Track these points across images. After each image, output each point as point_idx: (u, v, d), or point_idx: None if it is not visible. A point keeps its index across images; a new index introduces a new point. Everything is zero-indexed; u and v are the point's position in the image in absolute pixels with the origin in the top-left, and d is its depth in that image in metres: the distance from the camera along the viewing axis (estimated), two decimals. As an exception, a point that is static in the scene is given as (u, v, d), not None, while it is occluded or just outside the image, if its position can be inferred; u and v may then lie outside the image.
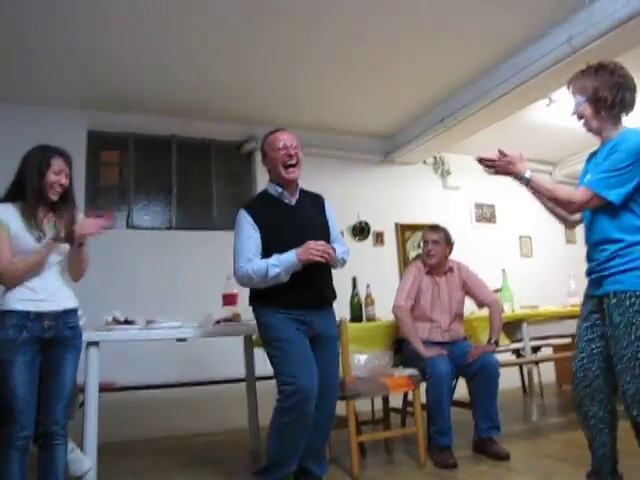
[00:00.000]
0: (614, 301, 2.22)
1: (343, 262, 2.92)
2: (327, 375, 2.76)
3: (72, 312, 2.53)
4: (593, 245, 2.37)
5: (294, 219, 2.79)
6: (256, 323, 2.85)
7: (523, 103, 5.02)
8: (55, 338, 2.42)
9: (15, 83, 4.58)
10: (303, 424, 2.60)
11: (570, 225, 2.65)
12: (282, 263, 2.62)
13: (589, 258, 2.41)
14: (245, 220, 2.78)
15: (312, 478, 2.73)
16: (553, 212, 2.61)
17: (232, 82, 4.84)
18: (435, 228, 3.90)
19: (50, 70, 4.43)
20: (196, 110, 5.37)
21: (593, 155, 2.49)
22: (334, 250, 2.73)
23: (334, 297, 2.95)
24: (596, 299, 2.37)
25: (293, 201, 2.86)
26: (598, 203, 2.26)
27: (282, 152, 2.76)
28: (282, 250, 2.66)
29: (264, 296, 2.75)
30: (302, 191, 2.95)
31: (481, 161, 2.43)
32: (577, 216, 2.54)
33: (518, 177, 2.36)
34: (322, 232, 2.85)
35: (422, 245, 3.90)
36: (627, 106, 2.34)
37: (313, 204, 2.95)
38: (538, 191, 2.37)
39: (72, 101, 4.95)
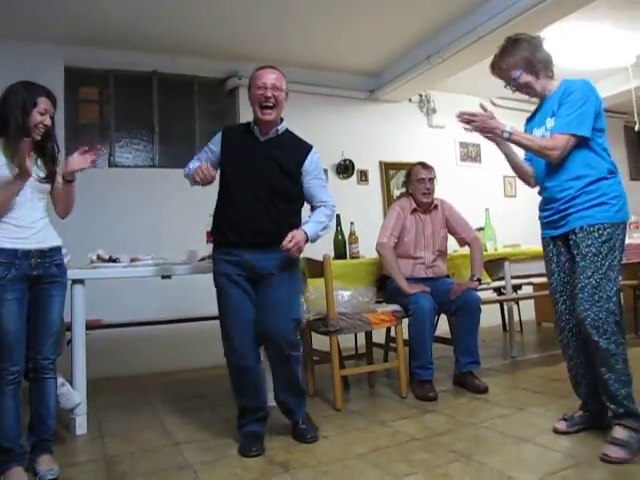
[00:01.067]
0: (582, 234, 2.36)
1: (318, 238, 2.81)
2: (265, 316, 2.67)
3: (57, 250, 2.53)
4: (553, 188, 2.48)
5: (253, 153, 2.73)
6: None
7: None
8: (42, 275, 2.44)
9: (-15, 15, 4.38)
10: (245, 371, 2.71)
11: (533, 184, 2.71)
12: (192, 172, 2.74)
13: (549, 201, 2.52)
14: (217, 136, 2.86)
15: (286, 408, 2.83)
16: (520, 176, 2.72)
17: (215, 16, 4.67)
18: (428, 166, 3.90)
19: (24, 3, 4.23)
20: (178, 46, 5.20)
21: (533, 116, 2.68)
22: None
23: (281, 239, 2.63)
24: (560, 239, 2.51)
25: (262, 138, 2.77)
26: (574, 144, 2.39)
27: (260, 92, 2.67)
28: (230, 175, 2.73)
29: (214, 233, 2.83)
30: (288, 134, 2.85)
31: (461, 116, 2.47)
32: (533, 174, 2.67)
33: (498, 133, 2.42)
34: (280, 178, 2.71)
35: (416, 183, 3.86)
36: (550, 60, 2.57)
37: (290, 148, 2.79)
38: (520, 144, 2.44)
39: (47, 35, 4.75)
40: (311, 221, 2.79)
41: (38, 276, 2.42)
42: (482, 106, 2.48)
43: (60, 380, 2.85)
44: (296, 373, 2.79)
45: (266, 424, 2.79)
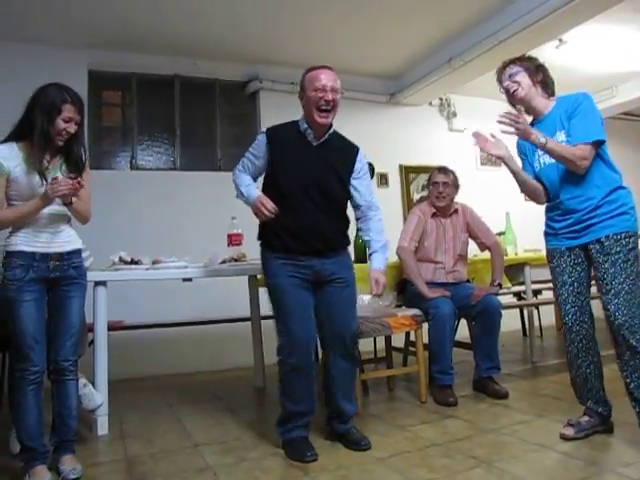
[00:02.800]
0: (609, 242, 2.41)
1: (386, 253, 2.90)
2: (334, 317, 2.69)
3: (76, 253, 2.55)
4: (574, 199, 2.50)
5: (307, 158, 2.67)
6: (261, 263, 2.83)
7: (532, 45, 4.89)
8: (60, 278, 2.46)
9: (11, 20, 4.43)
10: (303, 373, 2.63)
11: (544, 200, 2.72)
12: (247, 194, 2.73)
13: (567, 211, 2.54)
14: (261, 140, 2.75)
15: (345, 416, 2.76)
16: (528, 193, 2.75)
17: (236, 19, 4.70)
18: (445, 170, 3.88)
19: (48, 7, 4.30)
20: (199, 49, 5.25)
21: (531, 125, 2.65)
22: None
23: (343, 244, 2.83)
24: (578, 249, 2.53)
25: (316, 142, 2.71)
26: (595, 151, 2.45)
27: (319, 95, 2.60)
28: (283, 180, 2.66)
29: (268, 238, 2.74)
30: (336, 136, 2.79)
31: (506, 116, 2.46)
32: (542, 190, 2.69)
33: (535, 139, 2.44)
34: (335, 182, 2.72)
35: (431, 187, 3.87)
36: (552, 80, 2.72)
37: (340, 150, 2.77)
38: (553, 152, 2.45)
39: (71, 39, 4.82)
40: (377, 251, 2.84)
41: (56, 278, 2.45)
42: (520, 110, 2.54)
43: (82, 381, 2.89)
44: (355, 378, 2.86)
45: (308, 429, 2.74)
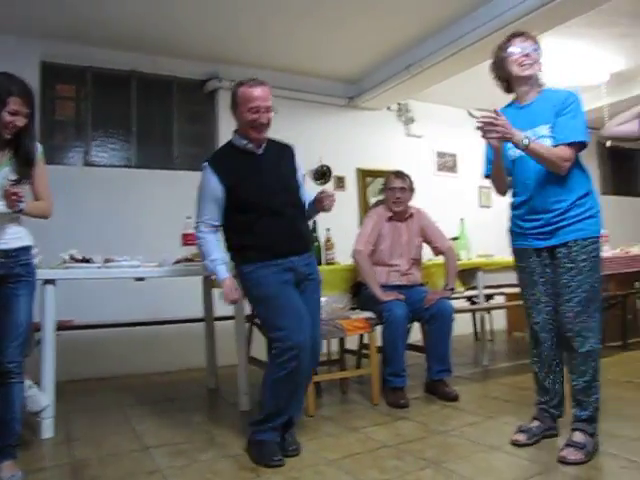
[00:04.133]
0: (576, 247, 2.41)
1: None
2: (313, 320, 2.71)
3: (23, 250, 2.46)
4: (546, 199, 2.47)
5: (260, 168, 2.69)
6: (238, 277, 2.76)
7: (488, 55, 4.96)
8: (6, 275, 2.38)
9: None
10: (297, 377, 2.59)
11: (504, 194, 2.72)
12: (213, 270, 2.75)
13: (536, 211, 2.50)
14: (208, 178, 2.69)
15: (292, 425, 2.71)
16: (499, 185, 2.70)
17: (197, 18, 4.66)
18: (401, 175, 3.91)
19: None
20: (158, 46, 5.18)
21: (510, 106, 2.67)
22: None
23: (311, 241, 2.98)
24: (546, 250, 2.51)
25: (260, 151, 2.73)
26: (576, 154, 2.44)
27: (253, 116, 2.60)
28: (246, 199, 2.65)
29: (244, 252, 2.70)
30: (270, 141, 2.80)
31: (483, 118, 2.38)
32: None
33: (518, 140, 2.37)
34: (289, 181, 2.79)
35: (388, 192, 3.90)
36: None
37: (280, 153, 2.82)
38: (536, 153, 2.39)
39: (24, 28, 4.68)
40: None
41: (2, 276, 2.37)
42: (497, 112, 2.38)
43: (27, 382, 2.80)
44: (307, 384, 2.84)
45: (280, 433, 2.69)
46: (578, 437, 2.37)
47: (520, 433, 2.62)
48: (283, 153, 2.85)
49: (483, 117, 2.37)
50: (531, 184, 2.51)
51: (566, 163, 2.39)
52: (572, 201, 2.43)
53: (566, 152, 2.39)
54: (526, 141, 2.34)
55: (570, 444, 2.34)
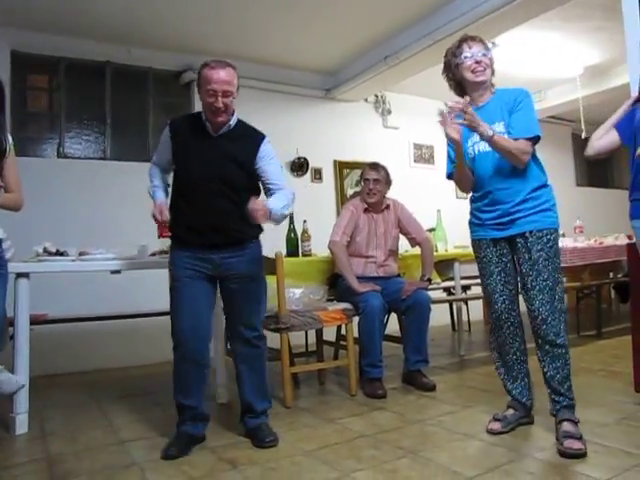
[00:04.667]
0: (532, 238, 2.49)
1: (282, 217, 2.71)
2: (232, 316, 2.77)
3: None
4: (502, 190, 2.55)
5: (207, 149, 2.65)
6: None
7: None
8: None
9: None
10: (189, 366, 2.61)
11: (469, 191, 2.78)
12: (152, 195, 2.84)
13: (494, 202, 2.58)
14: (164, 133, 2.76)
15: (254, 411, 2.74)
16: (462, 182, 2.75)
17: (173, 8, 4.61)
18: (376, 166, 3.92)
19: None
20: (133, 36, 5.11)
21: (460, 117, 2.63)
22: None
23: (249, 235, 2.74)
24: (503, 241, 2.60)
25: (215, 134, 2.68)
26: (533, 146, 2.52)
27: (210, 100, 2.54)
28: (184, 173, 2.67)
29: (174, 231, 2.73)
30: (241, 127, 2.74)
31: (453, 107, 2.42)
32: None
33: (483, 131, 2.43)
34: (235, 172, 2.65)
35: (363, 183, 3.92)
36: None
37: (244, 142, 2.71)
38: (498, 145, 2.46)
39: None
40: (273, 197, 2.71)
41: None
42: (468, 102, 2.46)
43: None
44: (263, 371, 2.79)
45: (205, 425, 2.72)
46: (569, 427, 2.39)
47: (495, 421, 2.67)
48: (247, 139, 2.73)
49: (455, 103, 2.43)
50: (489, 177, 2.58)
51: (525, 156, 2.48)
52: (527, 192, 2.51)
53: (524, 145, 2.47)
54: (490, 132, 2.43)
55: (568, 435, 2.36)
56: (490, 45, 2.77)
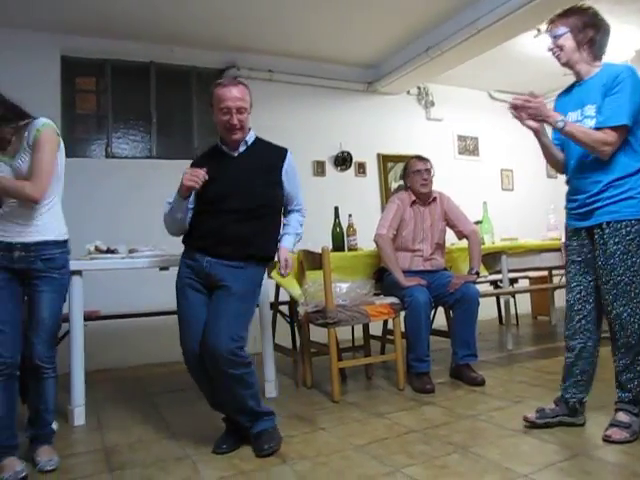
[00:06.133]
0: (609, 230, 2.34)
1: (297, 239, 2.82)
2: (206, 330, 2.47)
3: (46, 244, 2.42)
4: (583, 179, 2.43)
5: (226, 171, 2.60)
6: None
7: (510, 34, 4.93)
8: (27, 270, 2.39)
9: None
10: (198, 378, 2.61)
11: (561, 169, 2.64)
12: (173, 199, 2.67)
13: (575, 191, 2.48)
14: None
15: (243, 427, 2.57)
16: (553, 165, 2.66)
17: (214, 6, 4.65)
18: (423, 158, 3.90)
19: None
20: (175, 36, 5.18)
21: (567, 95, 2.58)
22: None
23: (258, 255, 2.63)
24: (584, 231, 2.48)
25: (235, 153, 2.66)
26: (623, 136, 2.32)
27: (225, 118, 2.54)
28: (208, 199, 2.58)
29: (184, 242, 2.74)
30: (260, 143, 2.72)
31: (515, 108, 2.37)
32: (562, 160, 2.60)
33: (552, 122, 2.34)
34: (258, 187, 2.60)
35: (412, 175, 3.85)
36: (604, 47, 2.49)
37: (266, 159, 2.68)
38: (573, 136, 2.34)
39: (44, 24, 4.72)
40: (290, 234, 2.79)
41: (23, 270, 2.38)
42: (532, 93, 2.35)
43: None
44: (242, 395, 2.48)
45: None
46: (622, 417, 2.36)
47: (534, 412, 2.62)
48: (268, 158, 2.70)
49: (516, 99, 2.35)
50: (573, 164, 2.49)
51: (607, 147, 2.30)
52: (607, 182, 2.34)
53: (607, 136, 2.30)
54: (561, 124, 2.32)
55: (614, 424, 2.34)
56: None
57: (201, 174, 2.50)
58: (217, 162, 2.64)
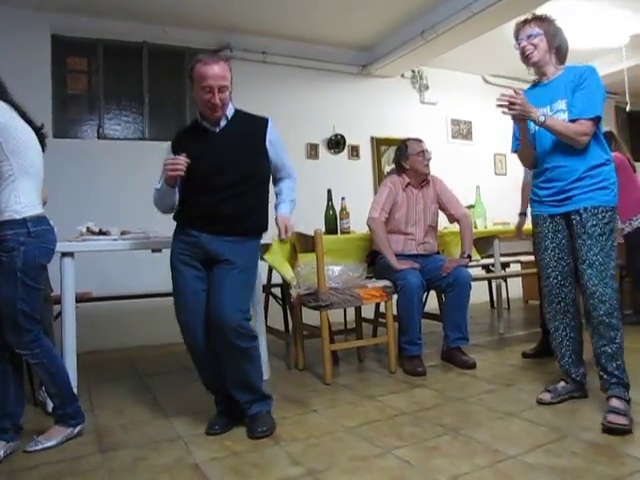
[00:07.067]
0: (586, 214, 2.48)
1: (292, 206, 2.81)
2: (212, 303, 2.49)
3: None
4: (559, 168, 2.57)
5: (211, 146, 2.57)
6: None
7: (505, 18, 4.89)
8: None
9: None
10: (195, 355, 2.60)
11: (531, 167, 2.78)
12: (160, 186, 2.66)
13: (551, 179, 2.61)
14: (167, 152, 2.69)
15: (240, 404, 2.58)
16: (525, 159, 2.79)
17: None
18: (421, 140, 3.89)
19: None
20: (169, 16, 5.13)
21: (532, 92, 2.71)
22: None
23: (253, 229, 2.66)
24: (560, 217, 2.61)
25: (217, 129, 2.60)
26: (596, 127, 2.50)
27: (206, 96, 2.48)
28: (198, 177, 2.54)
29: (176, 219, 2.71)
30: (240, 116, 2.67)
31: (502, 99, 2.48)
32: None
33: (534, 117, 2.47)
34: (246, 159, 2.59)
35: (414, 157, 3.80)
36: (566, 47, 2.70)
37: (248, 129, 2.65)
38: (553, 129, 2.48)
39: (33, 1, 4.65)
40: (285, 201, 2.78)
41: None
42: (516, 91, 2.49)
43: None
44: (247, 369, 2.52)
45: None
46: (616, 403, 2.40)
47: (546, 392, 2.72)
48: (250, 129, 2.67)
49: (503, 96, 2.49)
50: (548, 154, 2.61)
51: (583, 137, 2.47)
52: (584, 170, 2.50)
53: (583, 126, 2.46)
54: (542, 118, 2.46)
55: (612, 410, 2.36)
56: (529, 16, 2.75)
57: (182, 160, 2.48)
58: (200, 139, 2.62)
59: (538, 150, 2.67)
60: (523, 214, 4.00)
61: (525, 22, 2.68)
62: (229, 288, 2.48)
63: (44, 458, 2.34)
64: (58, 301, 3.11)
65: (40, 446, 2.41)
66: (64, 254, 3.05)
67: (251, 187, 2.61)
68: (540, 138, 2.63)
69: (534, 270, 5.71)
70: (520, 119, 2.55)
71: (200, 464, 2.21)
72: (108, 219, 3.57)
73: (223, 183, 2.55)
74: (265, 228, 2.74)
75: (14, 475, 2.19)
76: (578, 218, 2.51)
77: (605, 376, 2.48)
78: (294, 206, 2.84)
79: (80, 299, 3.47)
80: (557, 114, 2.54)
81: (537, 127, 2.59)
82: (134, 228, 3.40)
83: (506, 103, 2.46)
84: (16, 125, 2.39)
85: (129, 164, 5.04)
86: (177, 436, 2.54)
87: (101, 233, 3.27)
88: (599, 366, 2.50)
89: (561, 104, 2.55)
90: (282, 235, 2.70)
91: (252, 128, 2.68)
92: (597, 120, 2.48)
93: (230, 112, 2.64)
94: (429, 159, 3.84)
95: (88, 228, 3.26)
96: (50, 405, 2.85)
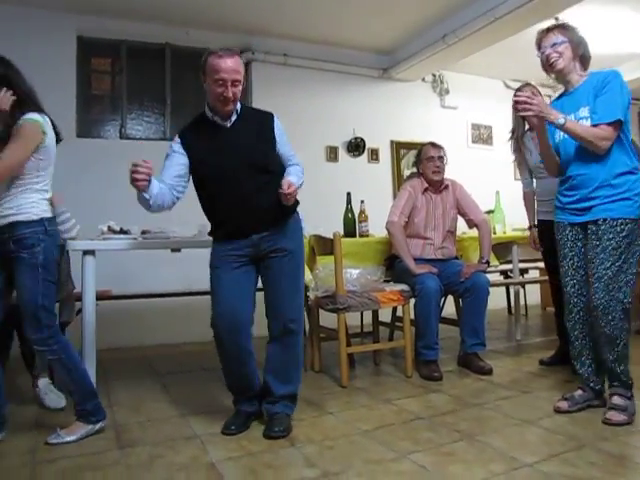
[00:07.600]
0: (605, 226, 2.46)
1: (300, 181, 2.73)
2: (273, 293, 2.62)
3: (17, 225, 2.40)
4: (581, 176, 2.55)
5: (226, 141, 2.56)
6: None
7: (527, 23, 4.86)
8: (3, 252, 2.40)
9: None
10: (229, 355, 2.60)
11: (555, 174, 2.76)
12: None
13: (573, 187, 2.59)
14: (175, 146, 2.68)
15: (272, 395, 2.64)
16: (549, 165, 2.76)
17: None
18: (437, 145, 3.88)
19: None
20: (192, 18, 5.17)
21: (559, 101, 2.73)
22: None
23: (283, 214, 2.64)
24: (578, 227, 2.60)
25: (228, 124, 2.58)
26: (618, 131, 2.46)
27: (219, 90, 2.45)
28: (209, 171, 2.57)
29: (212, 230, 2.74)
30: (247, 110, 2.68)
31: (518, 98, 2.48)
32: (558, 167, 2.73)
33: (553, 119, 2.45)
34: (260, 155, 2.59)
35: (425, 161, 3.82)
36: (589, 56, 2.69)
37: (257, 123, 2.65)
38: (573, 132, 2.46)
39: (60, 3, 4.73)
40: (291, 173, 2.69)
41: (1, 253, 2.41)
42: (534, 92, 2.53)
43: (45, 380, 3.04)
44: (293, 356, 2.65)
45: (260, 401, 2.70)
46: (617, 400, 2.46)
47: (563, 400, 2.70)
48: (259, 123, 2.66)
49: (518, 96, 2.49)
50: (571, 162, 2.59)
51: (604, 142, 2.43)
52: (603, 179, 2.47)
53: (604, 131, 2.43)
54: (562, 120, 2.44)
55: (612, 407, 2.43)
56: (553, 21, 2.75)
57: (144, 167, 2.50)
58: (211, 134, 2.60)
59: (562, 158, 2.65)
60: (534, 226, 3.79)
61: (548, 30, 2.67)
62: (284, 273, 2.60)
63: (64, 452, 2.37)
64: (79, 298, 3.15)
65: (60, 440, 2.45)
66: (86, 252, 3.09)
67: (272, 177, 2.59)
68: (565, 146, 2.62)
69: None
70: (537, 120, 2.53)
71: (216, 463, 2.23)
72: (129, 218, 3.59)
73: (244, 179, 2.54)
74: (297, 201, 2.69)
75: (36, 467, 2.23)
76: (595, 229, 2.49)
77: (609, 379, 2.56)
78: (301, 183, 2.71)
79: (100, 297, 3.51)
80: (581, 122, 2.52)
81: (562, 135, 2.57)
82: (154, 228, 3.45)
83: (522, 99, 2.44)
84: (54, 143, 2.54)
85: (152, 164, 5.07)
86: (193, 435, 2.56)
87: (122, 232, 3.32)
88: (603, 369, 2.58)
89: (584, 111, 2.54)
90: (284, 188, 2.50)
91: (261, 121, 2.68)
92: (618, 124, 2.44)
93: (239, 108, 2.63)
94: (439, 165, 3.80)
95: (109, 227, 3.31)
96: (47, 400, 2.94)
